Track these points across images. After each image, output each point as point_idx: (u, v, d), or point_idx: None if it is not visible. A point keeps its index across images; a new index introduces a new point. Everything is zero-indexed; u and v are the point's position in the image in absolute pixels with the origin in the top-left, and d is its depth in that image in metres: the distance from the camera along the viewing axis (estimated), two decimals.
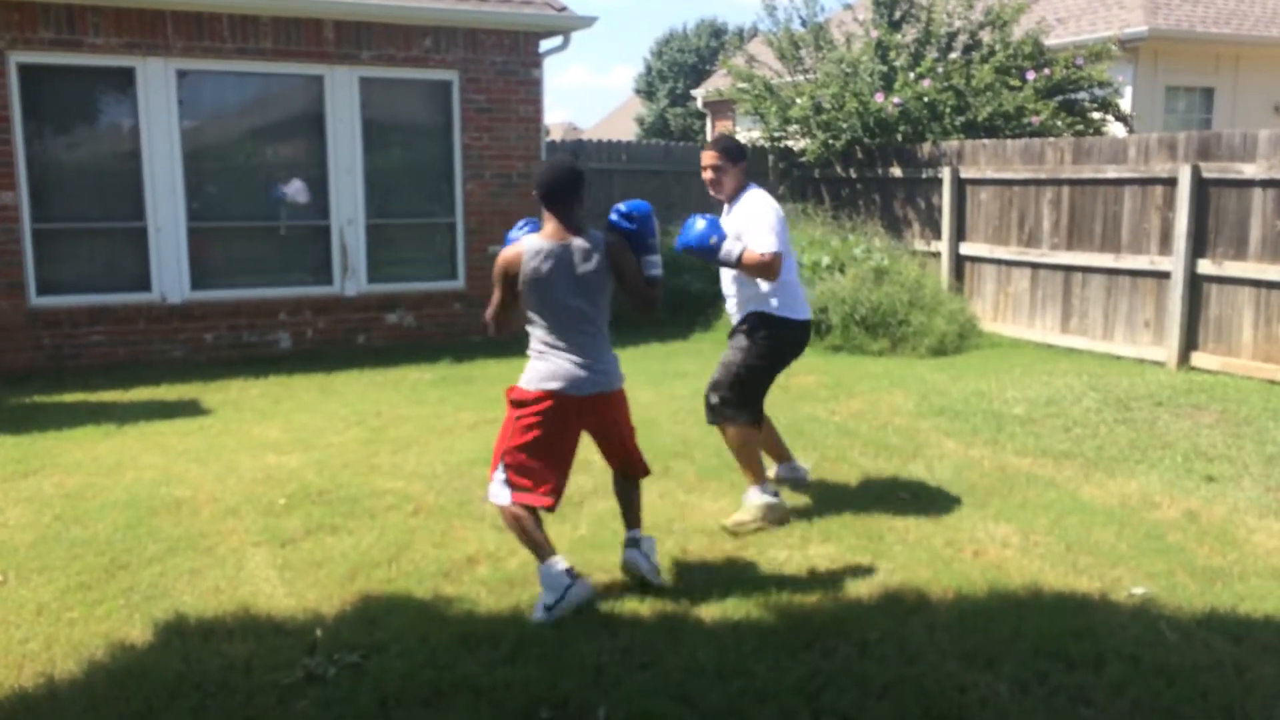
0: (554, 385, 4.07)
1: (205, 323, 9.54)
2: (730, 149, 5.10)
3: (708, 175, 5.16)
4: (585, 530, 4.97)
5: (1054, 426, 6.82)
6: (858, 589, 4.27)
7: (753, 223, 4.96)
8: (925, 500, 5.41)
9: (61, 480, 5.80)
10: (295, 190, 9.73)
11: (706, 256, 4.95)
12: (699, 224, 4.95)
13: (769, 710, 3.28)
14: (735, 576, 4.36)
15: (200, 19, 9.16)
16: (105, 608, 4.08)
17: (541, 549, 4.08)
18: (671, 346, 10.17)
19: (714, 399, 5.12)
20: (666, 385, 8.29)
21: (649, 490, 5.53)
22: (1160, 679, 3.49)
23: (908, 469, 5.96)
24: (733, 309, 5.28)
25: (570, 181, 4.09)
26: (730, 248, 4.89)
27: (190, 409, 7.66)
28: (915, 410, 7.32)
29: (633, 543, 4.31)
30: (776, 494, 5.10)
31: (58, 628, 3.91)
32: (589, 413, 4.16)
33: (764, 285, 5.05)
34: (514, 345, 10.55)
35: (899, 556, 4.62)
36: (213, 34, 9.23)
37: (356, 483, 5.67)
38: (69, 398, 8.00)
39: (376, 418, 7.27)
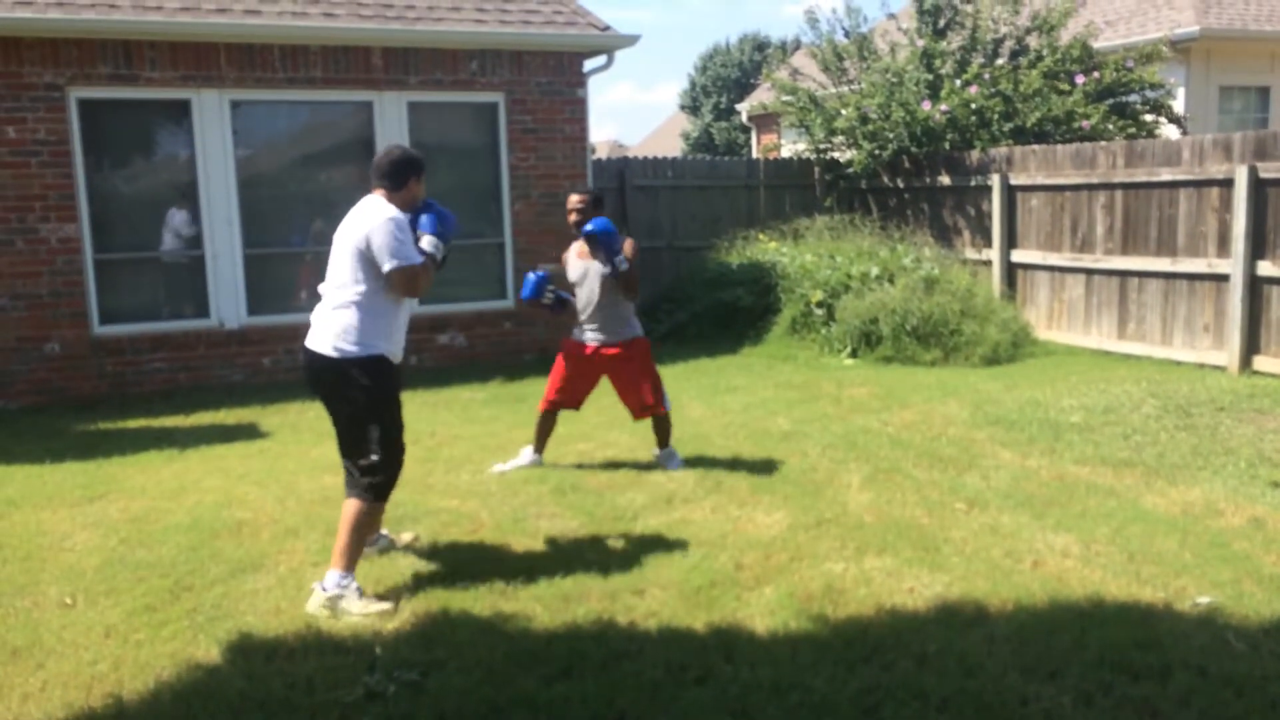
0: None
1: (263, 347, 9.71)
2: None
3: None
4: (640, 545, 4.97)
5: (1113, 434, 6.71)
6: (915, 601, 4.24)
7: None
8: (982, 511, 5.36)
9: (126, 504, 5.92)
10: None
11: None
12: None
13: None
14: (790, 590, 4.34)
15: (252, 50, 9.36)
16: (171, 629, 4.16)
17: None
18: (721, 361, 10.16)
19: None
20: (717, 400, 8.28)
21: (701, 505, 5.54)
22: (1228, 689, 3.42)
23: (963, 479, 5.90)
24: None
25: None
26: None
27: (250, 432, 7.80)
28: (969, 420, 7.24)
29: None
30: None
31: (125, 649, 3.99)
32: None
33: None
34: None
35: (956, 568, 4.57)
36: (264, 65, 9.42)
37: (412, 501, 5.73)
38: (132, 423, 8.18)
39: (430, 437, 7.35)
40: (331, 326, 4.45)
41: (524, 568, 4.67)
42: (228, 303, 9.59)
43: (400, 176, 4.56)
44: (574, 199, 6.02)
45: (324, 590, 4.29)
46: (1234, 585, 4.30)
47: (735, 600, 4.28)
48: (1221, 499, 5.40)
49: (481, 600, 4.33)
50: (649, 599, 4.30)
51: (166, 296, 9.55)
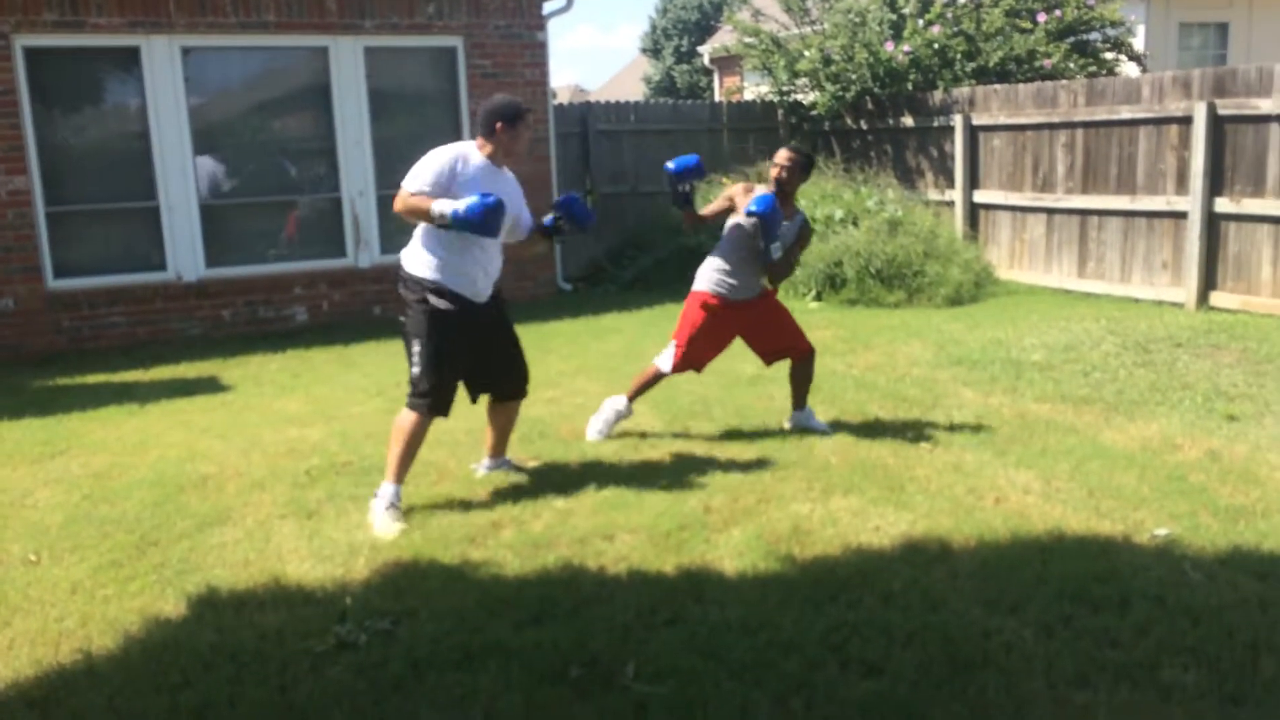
0: None
1: (221, 300, 9.58)
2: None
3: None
4: (608, 491, 4.99)
5: (1073, 372, 6.79)
6: (880, 540, 4.29)
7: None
8: (946, 450, 5.42)
9: (88, 460, 5.86)
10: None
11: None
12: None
13: (795, 661, 3.31)
14: (758, 531, 4.38)
15: None
16: (138, 584, 4.14)
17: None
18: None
19: None
20: None
21: (669, 449, 5.56)
22: (1185, 618, 3.50)
23: (927, 419, 5.96)
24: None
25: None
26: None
27: (211, 386, 7.72)
28: (933, 361, 7.30)
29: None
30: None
31: (92, 605, 3.96)
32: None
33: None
34: (528, 313, 10.53)
35: (921, 506, 4.63)
36: (215, 9, 9.19)
37: (379, 453, 5.69)
38: (91, 379, 8.07)
39: (396, 388, 7.29)
40: (407, 251, 4.83)
41: (492, 516, 4.68)
42: (185, 255, 9.44)
43: (486, 124, 4.74)
44: (783, 154, 5.58)
45: (378, 497, 4.69)
46: (1191, 517, 4.39)
47: (704, 543, 4.31)
48: (1179, 433, 5.49)
49: (451, 549, 4.33)
50: (618, 544, 4.33)
51: (122, 249, 9.39)
